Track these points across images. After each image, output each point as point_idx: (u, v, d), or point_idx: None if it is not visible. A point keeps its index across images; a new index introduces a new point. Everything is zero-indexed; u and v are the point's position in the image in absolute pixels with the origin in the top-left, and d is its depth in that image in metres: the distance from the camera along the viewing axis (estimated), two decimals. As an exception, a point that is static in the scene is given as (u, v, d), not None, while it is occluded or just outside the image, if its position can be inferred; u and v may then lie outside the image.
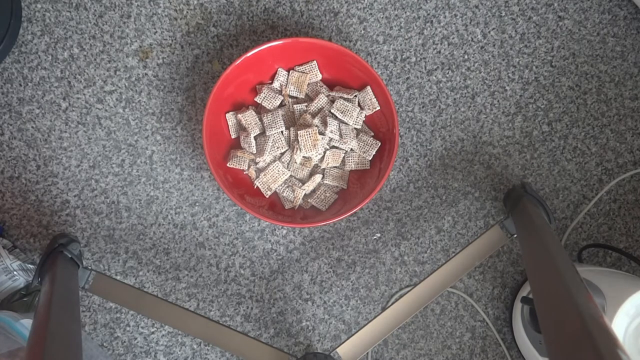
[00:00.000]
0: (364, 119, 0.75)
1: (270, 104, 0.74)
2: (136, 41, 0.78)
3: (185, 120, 0.78)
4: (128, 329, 0.77)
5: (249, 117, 0.73)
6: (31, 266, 0.74)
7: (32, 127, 0.77)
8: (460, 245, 0.81)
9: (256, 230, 0.79)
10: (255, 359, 0.68)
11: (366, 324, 0.69)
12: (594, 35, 0.82)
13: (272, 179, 0.74)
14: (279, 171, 0.73)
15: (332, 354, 0.68)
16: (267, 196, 0.75)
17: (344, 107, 0.73)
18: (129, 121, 0.78)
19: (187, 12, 0.78)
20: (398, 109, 0.80)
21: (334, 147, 0.75)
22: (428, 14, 0.81)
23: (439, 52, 0.81)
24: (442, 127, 0.81)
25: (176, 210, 0.78)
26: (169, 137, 0.78)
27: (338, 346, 0.68)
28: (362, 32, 0.80)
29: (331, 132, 0.73)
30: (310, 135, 0.71)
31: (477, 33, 0.81)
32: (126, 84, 0.78)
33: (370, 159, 0.75)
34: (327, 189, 0.75)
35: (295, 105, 0.74)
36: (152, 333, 0.77)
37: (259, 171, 0.75)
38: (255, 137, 0.74)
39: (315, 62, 0.75)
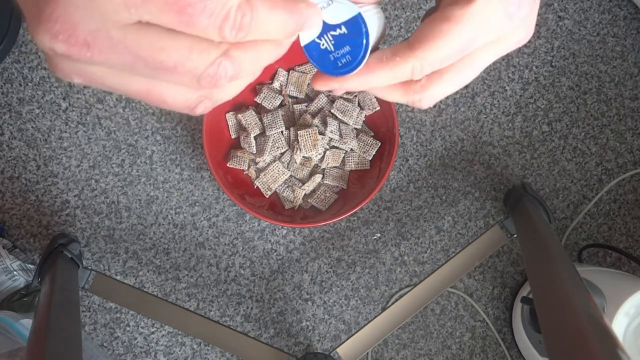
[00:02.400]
0: (364, 119, 0.75)
1: (270, 104, 0.74)
2: (136, 41, 0.78)
3: (185, 120, 0.78)
4: (128, 329, 0.77)
5: (249, 117, 0.73)
6: (31, 266, 0.74)
7: (32, 127, 0.77)
8: (460, 245, 0.81)
9: (256, 230, 0.79)
10: (255, 359, 0.68)
11: (366, 324, 0.69)
12: (594, 35, 0.82)
13: (272, 179, 0.74)
14: (279, 171, 0.73)
15: (332, 354, 0.68)
16: (267, 196, 0.75)
17: (344, 107, 0.73)
18: (129, 121, 0.78)
19: (187, 12, 0.78)
20: (398, 109, 0.80)
21: (334, 147, 0.75)
22: (428, 14, 0.81)
23: (439, 52, 0.81)
24: (442, 127, 0.81)
25: (176, 210, 0.78)
26: (169, 137, 0.78)
27: (338, 346, 0.68)
28: (362, 32, 0.80)
29: (331, 132, 0.73)
30: (310, 135, 0.71)
31: (477, 33, 0.81)
32: (126, 84, 0.78)
33: (370, 159, 0.75)
34: (327, 189, 0.75)
35: (295, 105, 0.74)
36: (152, 333, 0.77)
37: (259, 171, 0.75)
38: (255, 137, 0.74)
39: (315, 62, 0.75)
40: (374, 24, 0.27)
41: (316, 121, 0.73)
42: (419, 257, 0.80)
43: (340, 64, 0.27)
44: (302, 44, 0.28)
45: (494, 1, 0.25)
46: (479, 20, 0.25)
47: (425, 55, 0.26)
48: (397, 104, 0.80)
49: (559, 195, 0.82)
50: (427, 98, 0.28)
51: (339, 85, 0.29)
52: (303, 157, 0.74)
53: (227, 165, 0.74)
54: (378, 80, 0.28)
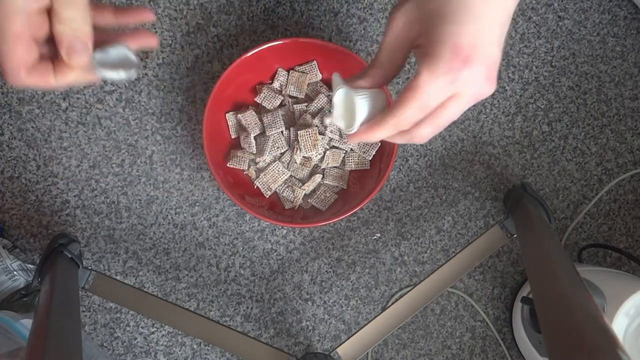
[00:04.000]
0: (364, 119, 0.75)
1: (270, 104, 0.74)
2: (136, 41, 0.78)
3: (185, 120, 0.78)
4: (128, 329, 0.77)
5: (249, 117, 0.73)
6: (31, 266, 0.74)
7: (32, 127, 0.77)
8: (460, 245, 0.81)
9: (256, 230, 0.79)
10: (255, 359, 0.68)
11: (366, 324, 0.69)
12: (594, 35, 0.82)
13: (272, 179, 0.74)
14: (279, 171, 0.73)
15: (332, 354, 0.68)
16: (267, 196, 0.75)
17: (344, 107, 0.73)
18: (129, 121, 0.78)
19: (187, 12, 0.78)
20: (398, 109, 0.80)
21: (334, 147, 0.75)
22: (428, 14, 0.81)
23: (439, 52, 0.81)
24: (442, 127, 0.81)
25: (176, 210, 0.78)
26: (169, 137, 0.78)
27: (338, 346, 0.68)
28: (362, 32, 0.80)
29: (331, 132, 0.73)
30: (310, 135, 0.71)
31: (477, 33, 0.81)
32: (126, 84, 0.78)
33: (370, 159, 0.75)
34: (327, 189, 0.75)
35: (295, 105, 0.74)
36: (152, 333, 0.77)
37: (259, 171, 0.75)
38: (255, 137, 0.74)
39: (315, 62, 0.75)
40: (370, 102, 0.44)
41: (316, 121, 0.73)
42: (419, 257, 0.80)
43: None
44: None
45: (438, 73, 0.37)
46: (427, 89, 0.38)
47: (400, 116, 0.40)
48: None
49: (559, 195, 0.82)
50: (417, 138, 0.42)
51: (359, 139, 0.44)
52: (303, 157, 0.74)
53: (227, 165, 0.74)
54: (381, 134, 0.42)
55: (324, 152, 0.74)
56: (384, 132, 0.42)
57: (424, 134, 0.41)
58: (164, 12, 0.78)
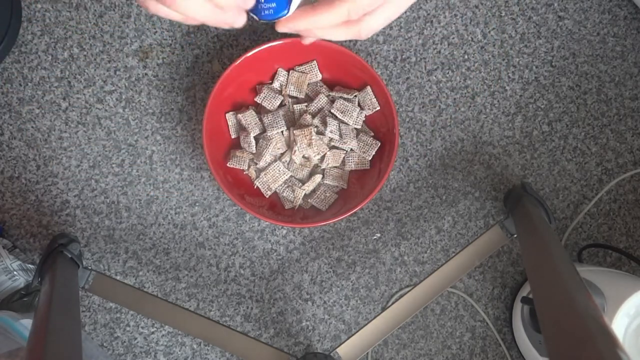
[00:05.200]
0: (364, 119, 0.75)
1: (270, 104, 0.74)
2: (136, 41, 0.78)
3: (185, 120, 0.78)
4: (128, 329, 0.77)
5: (249, 117, 0.73)
6: (31, 266, 0.74)
7: (32, 127, 0.77)
8: (460, 245, 0.81)
9: (256, 230, 0.79)
10: (255, 359, 0.68)
11: (366, 324, 0.69)
12: (594, 35, 0.82)
13: (272, 179, 0.74)
14: (279, 171, 0.73)
15: (332, 354, 0.68)
16: (267, 196, 0.75)
17: (344, 107, 0.73)
18: (129, 121, 0.78)
19: (187, 12, 0.78)
20: (398, 109, 0.80)
21: (334, 147, 0.75)
22: (428, 14, 0.81)
23: (439, 52, 0.81)
24: (442, 127, 0.81)
25: (176, 210, 0.78)
26: (169, 137, 0.78)
27: (338, 346, 0.68)
28: (362, 32, 0.80)
29: (331, 132, 0.73)
30: (305, 135, 0.71)
31: (477, 33, 0.81)
32: (126, 84, 0.78)
33: (370, 159, 0.75)
34: (327, 189, 0.75)
35: (295, 105, 0.74)
36: (152, 333, 0.77)
37: (259, 171, 0.75)
38: (256, 137, 0.74)
39: (315, 62, 0.75)
40: None
41: (316, 121, 0.73)
42: (419, 257, 0.80)
43: (264, 13, 0.40)
44: None
45: None
46: None
47: (357, 1, 0.37)
48: (397, 103, 0.80)
49: (559, 195, 0.82)
50: (365, 29, 0.39)
51: (293, 25, 0.40)
52: (302, 157, 0.74)
53: (227, 165, 0.74)
54: (322, 20, 0.38)
55: (325, 153, 0.74)
56: (330, 17, 0.38)
57: (374, 24, 0.39)
58: (164, 12, 0.78)
